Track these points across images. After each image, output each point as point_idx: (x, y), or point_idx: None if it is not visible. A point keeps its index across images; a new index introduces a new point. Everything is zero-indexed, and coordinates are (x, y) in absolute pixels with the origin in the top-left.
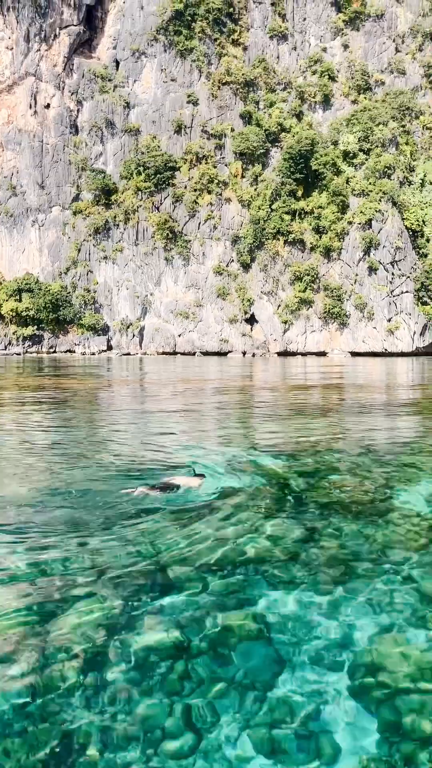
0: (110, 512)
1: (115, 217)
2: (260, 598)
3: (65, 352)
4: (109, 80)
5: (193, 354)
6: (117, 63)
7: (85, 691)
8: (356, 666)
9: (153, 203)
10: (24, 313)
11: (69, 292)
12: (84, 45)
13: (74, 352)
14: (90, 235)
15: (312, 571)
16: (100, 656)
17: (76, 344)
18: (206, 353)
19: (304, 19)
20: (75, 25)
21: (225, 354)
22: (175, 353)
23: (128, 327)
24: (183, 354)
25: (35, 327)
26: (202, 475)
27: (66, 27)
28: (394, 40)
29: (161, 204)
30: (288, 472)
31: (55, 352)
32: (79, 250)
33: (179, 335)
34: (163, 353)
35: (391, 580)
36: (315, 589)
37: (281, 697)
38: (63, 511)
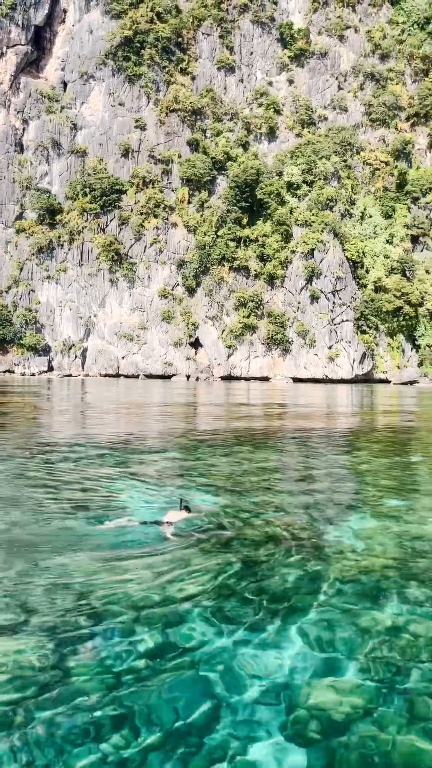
0: (47, 550)
1: (59, 237)
2: (197, 637)
3: (4, 372)
4: (56, 101)
5: (137, 377)
6: (65, 84)
7: (9, 738)
8: (292, 705)
9: (99, 225)
10: None
11: (9, 311)
12: (31, 65)
13: (13, 372)
14: (33, 254)
15: (249, 607)
16: (27, 701)
17: (15, 364)
18: (150, 376)
19: (251, 53)
20: (23, 45)
21: (169, 377)
22: (118, 375)
23: (70, 348)
24: (126, 377)
25: None
26: (188, 508)
27: (13, 46)
28: (336, 78)
29: (107, 226)
30: (226, 508)
31: None
32: (21, 269)
33: (123, 357)
34: (106, 375)
35: (325, 614)
36: (252, 626)
37: (217, 741)
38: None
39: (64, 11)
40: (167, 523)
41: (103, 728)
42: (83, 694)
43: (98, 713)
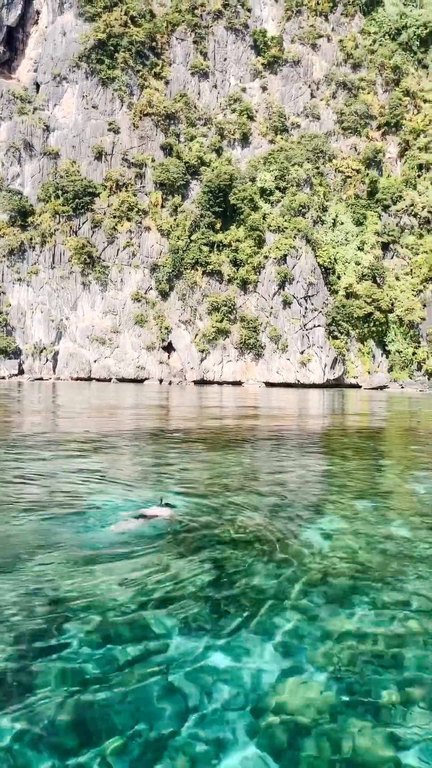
0: (9, 552)
1: (31, 239)
2: (164, 642)
3: None
4: (29, 102)
5: (109, 380)
6: (37, 86)
7: None
8: (259, 710)
9: (71, 227)
10: None
11: None
12: (3, 65)
13: None
14: (4, 256)
15: (217, 611)
16: None
17: None
18: (122, 380)
19: (225, 59)
20: None
21: (141, 381)
22: (90, 379)
23: (41, 351)
24: (98, 380)
25: None
26: (170, 505)
27: None
28: (309, 86)
29: (79, 228)
30: (198, 509)
31: None
32: None
33: (95, 361)
34: (78, 379)
35: (293, 618)
36: (220, 630)
37: (184, 747)
38: None
39: (37, 12)
40: (152, 516)
41: (67, 735)
42: (47, 701)
43: (62, 720)
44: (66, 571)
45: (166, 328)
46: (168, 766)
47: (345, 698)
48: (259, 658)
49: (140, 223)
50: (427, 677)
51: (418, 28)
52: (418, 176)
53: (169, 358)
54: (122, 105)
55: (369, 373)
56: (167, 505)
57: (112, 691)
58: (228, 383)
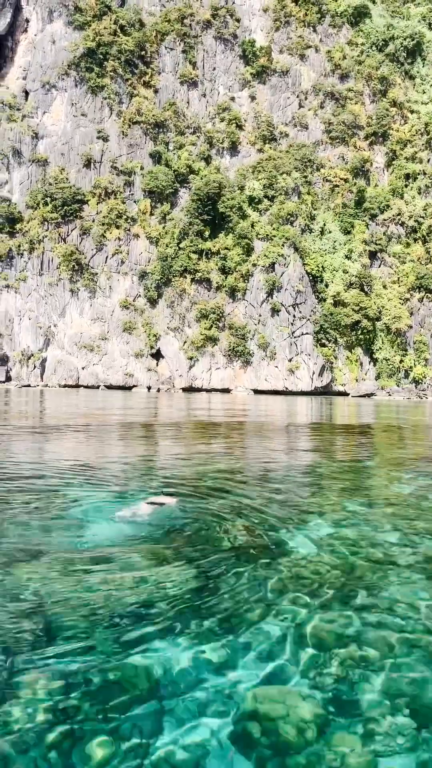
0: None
1: (19, 246)
2: (148, 650)
3: None
4: (18, 109)
5: (97, 387)
6: (26, 93)
7: None
8: (242, 718)
9: (59, 234)
10: None
11: None
12: None
13: None
14: None
15: (202, 619)
16: None
17: None
18: (110, 387)
19: (214, 68)
20: None
21: (130, 388)
22: (78, 386)
23: (29, 358)
24: (86, 387)
25: None
26: (171, 495)
27: None
28: (297, 96)
29: (68, 235)
30: (183, 517)
31: None
32: None
33: (83, 368)
34: (66, 386)
35: (279, 626)
36: (205, 638)
37: (165, 754)
38: None
39: (27, 21)
40: (159, 504)
41: (49, 742)
42: (30, 708)
43: (44, 728)
44: (55, 569)
45: (155, 336)
46: None
47: (330, 707)
48: (242, 665)
49: (129, 230)
50: (413, 685)
51: (404, 39)
52: (405, 186)
53: (157, 365)
54: (111, 113)
55: (357, 380)
56: (168, 494)
57: (95, 697)
58: (216, 390)
